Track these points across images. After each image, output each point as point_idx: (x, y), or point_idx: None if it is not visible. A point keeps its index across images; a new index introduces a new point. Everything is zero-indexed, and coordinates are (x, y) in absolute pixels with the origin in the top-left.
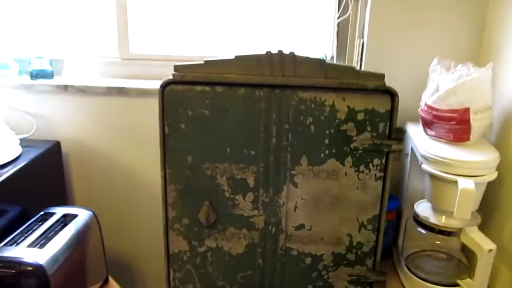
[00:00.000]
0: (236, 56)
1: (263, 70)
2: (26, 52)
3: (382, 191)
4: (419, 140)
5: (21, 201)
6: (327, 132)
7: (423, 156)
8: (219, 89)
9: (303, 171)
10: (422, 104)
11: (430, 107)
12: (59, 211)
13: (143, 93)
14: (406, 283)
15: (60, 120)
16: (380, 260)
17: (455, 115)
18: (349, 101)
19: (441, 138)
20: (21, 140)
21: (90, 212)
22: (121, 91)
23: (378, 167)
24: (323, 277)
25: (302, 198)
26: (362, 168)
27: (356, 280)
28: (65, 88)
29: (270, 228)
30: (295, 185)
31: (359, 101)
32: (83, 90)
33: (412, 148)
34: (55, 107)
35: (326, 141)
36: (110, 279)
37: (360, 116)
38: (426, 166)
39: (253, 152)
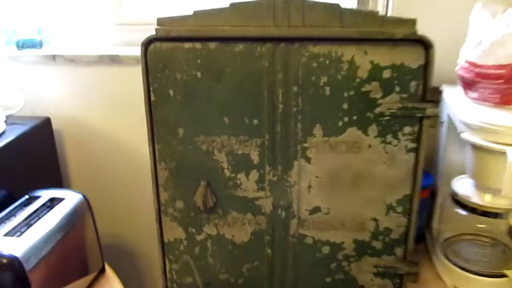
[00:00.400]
0: (231, 4)
1: (265, 20)
2: (13, 21)
3: (414, 165)
4: (458, 104)
5: (6, 184)
6: (346, 94)
7: (463, 123)
8: (212, 45)
9: (317, 144)
10: (461, 60)
11: (471, 64)
12: (45, 195)
13: (138, 61)
14: (443, 273)
15: (50, 94)
16: (413, 247)
17: (503, 71)
18: (372, 55)
19: (485, 101)
20: (8, 116)
21: (80, 195)
22: (114, 60)
23: (410, 137)
24: (344, 269)
25: (316, 176)
26: (389, 138)
27: (384, 272)
28: (53, 58)
29: (279, 212)
30: (308, 160)
31: (385, 54)
32: (72, 60)
33: (448, 115)
34: (43, 79)
35: (345, 106)
36: (107, 268)
37: (386, 74)
38: (467, 135)
39: (256, 122)
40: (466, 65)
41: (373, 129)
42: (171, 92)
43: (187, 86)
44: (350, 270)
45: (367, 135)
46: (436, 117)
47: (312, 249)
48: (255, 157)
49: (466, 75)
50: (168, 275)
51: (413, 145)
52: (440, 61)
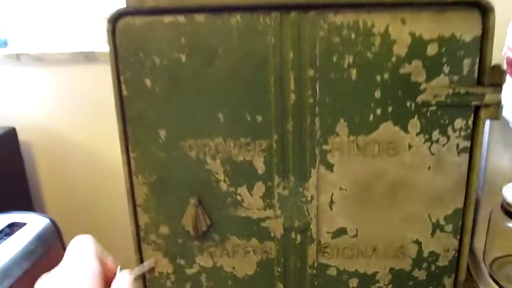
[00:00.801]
0: None
1: None
2: None
3: (468, 170)
4: (508, 93)
5: None
6: (378, 78)
7: None
8: (200, 18)
9: (341, 145)
10: (509, 41)
11: None
12: (4, 219)
13: None
14: None
15: (15, 99)
16: (465, 277)
17: None
18: (412, 24)
19: None
20: None
21: (47, 219)
22: (88, 57)
23: (462, 133)
24: None
25: (341, 188)
26: (436, 135)
27: None
28: (18, 57)
29: (294, 236)
30: (330, 167)
31: (429, 24)
32: (40, 59)
33: None
34: (7, 82)
35: (377, 94)
36: None
37: (431, 50)
38: None
39: (260, 118)
40: None
41: (414, 124)
42: (148, 82)
43: (168, 73)
44: None
45: (407, 132)
46: (497, 106)
47: (336, 283)
48: (260, 165)
49: None
50: None
51: (467, 143)
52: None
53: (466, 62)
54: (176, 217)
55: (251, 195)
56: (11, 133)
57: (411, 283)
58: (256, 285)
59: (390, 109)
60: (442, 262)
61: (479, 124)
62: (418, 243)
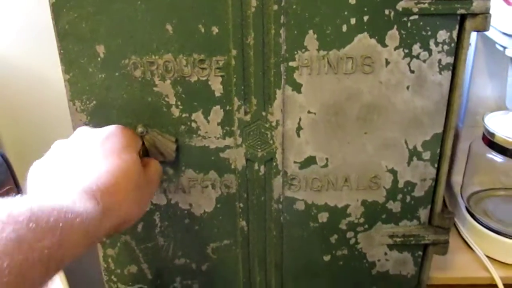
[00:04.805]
0: None
1: None
2: None
3: (449, 90)
4: (496, 14)
5: None
6: None
7: (507, 35)
8: None
9: (310, 61)
10: None
11: None
12: None
13: None
14: (470, 237)
15: None
16: (441, 208)
17: None
18: None
19: None
20: None
21: None
22: None
23: (446, 47)
24: (349, 242)
25: (309, 112)
26: (417, 49)
27: (402, 243)
28: None
29: (257, 167)
30: (297, 88)
31: None
32: None
33: (477, 34)
34: None
35: (352, 1)
36: None
37: None
38: None
39: (216, 30)
40: None
41: (393, 36)
42: None
43: None
44: (357, 243)
45: (384, 45)
46: (485, 15)
47: (304, 218)
48: (217, 87)
49: None
50: (103, 264)
51: (450, 59)
52: None
53: None
54: None
55: (208, 121)
56: None
57: (384, 215)
58: (216, 223)
59: (366, 18)
60: (417, 192)
61: (464, 37)
62: (393, 172)
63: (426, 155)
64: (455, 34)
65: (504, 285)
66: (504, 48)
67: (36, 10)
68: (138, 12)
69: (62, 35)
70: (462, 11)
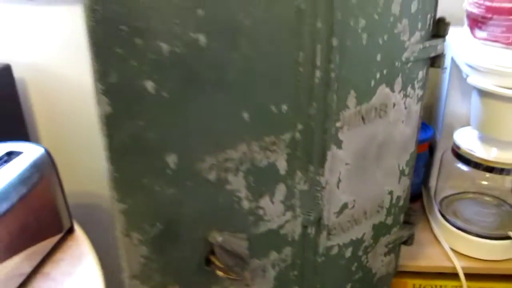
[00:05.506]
0: None
1: None
2: None
3: (419, 116)
4: (464, 46)
5: None
6: (381, 41)
7: (469, 66)
8: None
9: (349, 118)
10: None
11: None
12: (2, 148)
13: None
14: (440, 234)
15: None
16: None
17: None
18: None
19: (496, 41)
20: None
21: (42, 149)
22: None
23: (420, 83)
24: (362, 264)
25: (346, 164)
26: (409, 90)
27: (392, 247)
28: None
29: (309, 231)
30: (339, 144)
31: None
32: None
33: (452, 59)
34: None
35: (378, 57)
36: (76, 228)
37: (413, 7)
38: (474, 79)
39: (285, 107)
40: None
41: (398, 82)
42: (149, 86)
43: (181, 66)
44: (367, 262)
45: (393, 91)
46: (443, 55)
47: (336, 259)
48: (282, 164)
49: (475, 11)
50: None
51: (422, 92)
52: None
53: (428, 17)
54: (189, 269)
55: (272, 202)
56: (7, 70)
57: (384, 230)
58: None
59: (385, 71)
60: (401, 202)
61: (428, 74)
62: (391, 193)
63: (407, 170)
64: (425, 72)
65: (465, 274)
66: (467, 75)
67: (77, 24)
68: (215, 103)
69: (118, 153)
70: (433, 54)
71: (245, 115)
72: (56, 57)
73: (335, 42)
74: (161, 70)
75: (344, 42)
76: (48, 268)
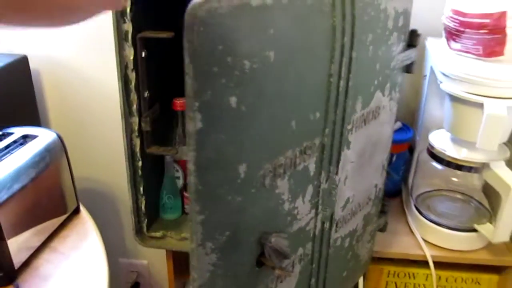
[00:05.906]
0: None
1: None
2: None
3: (395, 116)
4: (441, 56)
5: None
6: (380, 52)
7: (443, 74)
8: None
9: (356, 121)
10: (447, 9)
11: (456, 12)
12: (18, 131)
13: None
14: (415, 226)
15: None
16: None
17: (487, 20)
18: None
19: (468, 52)
20: None
21: (54, 134)
22: None
23: (398, 88)
24: (354, 252)
25: (351, 162)
26: (393, 93)
27: (373, 235)
28: None
29: (325, 226)
30: (348, 145)
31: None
32: None
33: (431, 68)
34: None
35: (378, 66)
36: (82, 209)
37: (400, 21)
38: (446, 86)
39: (318, 115)
40: (451, 13)
41: (387, 87)
42: (233, 101)
43: (256, 81)
44: (358, 249)
45: (384, 95)
46: (415, 63)
47: (340, 250)
48: (312, 166)
49: (450, 25)
50: None
51: (399, 94)
52: (427, 12)
53: (407, 30)
54: (244, 272)
55: (304, 202)
56: (23, 61)
57: (369, 220)
58: None
59: (380, 78)
60: (380, 194)
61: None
62: (376, 186)
63: (386, 165)
64: (403, 77)
65: (435, 262)
66: (441, 82)
67: (92, 20)
68: (276, 114)
69: (203, 167)
70: (409, 61)
71: (293, 123)
72: (70, 51)
73: (354, 54)
74: (243, 85)
75: (358, 54)
76: (55, 243)
